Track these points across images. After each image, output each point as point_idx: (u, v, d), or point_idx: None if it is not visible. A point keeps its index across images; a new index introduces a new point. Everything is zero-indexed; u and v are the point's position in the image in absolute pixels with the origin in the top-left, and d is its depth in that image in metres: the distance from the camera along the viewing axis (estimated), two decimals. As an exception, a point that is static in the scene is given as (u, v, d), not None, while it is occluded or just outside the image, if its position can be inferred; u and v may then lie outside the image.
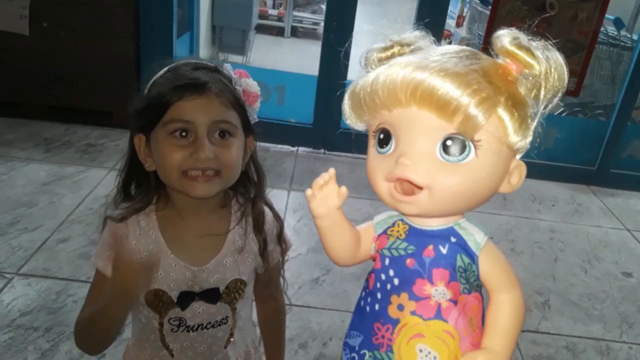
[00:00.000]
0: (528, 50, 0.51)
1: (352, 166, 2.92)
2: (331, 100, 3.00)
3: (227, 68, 0.86)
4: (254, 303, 1.01)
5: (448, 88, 0.48)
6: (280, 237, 0.95)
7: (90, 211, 2.20)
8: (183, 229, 0.86)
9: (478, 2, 4.43)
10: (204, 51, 4.23)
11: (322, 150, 3.13)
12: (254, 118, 0.86)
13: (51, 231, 2.04)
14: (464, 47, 0.55)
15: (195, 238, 0.86)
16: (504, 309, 0.57)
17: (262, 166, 0.93)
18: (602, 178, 3.16)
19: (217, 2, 4.47)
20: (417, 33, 0.58)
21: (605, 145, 3.12)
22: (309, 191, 0.60)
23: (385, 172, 0.54)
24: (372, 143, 0.56)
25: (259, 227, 0.90)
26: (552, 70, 0.51)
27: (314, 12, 6.61)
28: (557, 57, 0.52)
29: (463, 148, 0.51)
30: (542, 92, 0.52)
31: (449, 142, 0.51)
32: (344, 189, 0.59)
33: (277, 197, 2.51)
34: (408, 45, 0.57)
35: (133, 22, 2.81)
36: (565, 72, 0.52)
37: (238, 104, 0.83)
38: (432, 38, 0.59)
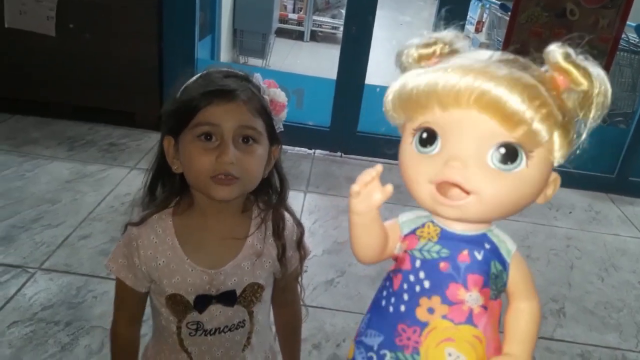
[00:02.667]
0: (579, 67, 0.51)
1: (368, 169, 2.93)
2: (349, 104, 3.02)
3: (257, 77, 0.88)
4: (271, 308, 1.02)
5: (516, 100, 0.48)
6: (300, 244, 0.95)
7: (111, 209, 2.24)
8: (202, 231, 0.88)
9: (497, 7, 4.42)
10: (224, 54, 4.29)
11: (338, 153, 3.14)
12: (279, 127, 0.88)
13: (73, 228, 2.09)
14: (516, 56, 0.54)
15: (214, 241, 0.88)
16: (525, 317, 0.58)
17: (286, 175, 0.94)
18: (620, 186, 3.12)
19: (238, 6, 4.52)
20: (455, 33, 0.57)
21: (625, 153, 3.09)
22: (355, 187, 0.57)
23: (430, 173, 0.53)
24: (410, 141, 0.55)
25: (278, 232, 0.91)
26: (601, 87, 0.52)
27: (333, 17, 6.65)
28: (603, 76, 0.52)
29: (515, 157, 0.50)
30: (593, 110, 0.52)
31: (502, 150, 0.50)
32: (389, 187, 0.56)
33: (294, 198, 2.52)
34: (449, 44, 0.57)
35: (156, 25, 2.87)
36: (610, 90, 0.52)
37: (264, 112, 0.85)
38: (469, 39, 0.59)
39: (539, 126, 0.49)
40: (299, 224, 0.96)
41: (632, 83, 3.57)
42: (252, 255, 0.89)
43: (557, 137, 0.51)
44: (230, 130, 0.80)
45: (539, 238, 2.56)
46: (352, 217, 0.59)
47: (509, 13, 3.05)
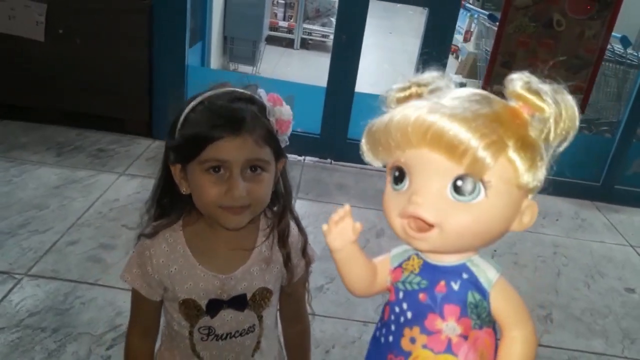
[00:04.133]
0: (538, 95, 0.53)
1: (358, 176, 2.95)
2: (339, 111, 3.04)
3: (261, 94, 0.87)
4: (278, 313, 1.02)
5: (456, 131, 0.50)
6: (305, 251, 0.96)
7: (99, 215, 2.23)
8: (211, 241, 0.89)
9: (486, 18, 4.48)
10: (215, 61, 4.29)
11: (328, 160, 3.16)
12: (285, 142, 0.88)
13: (61, 234, 2.08)
14: (477, 91, 0.56)
15: (224, 249, 0.89)
16: (515, 346, 0.57)
17: (290, 183, 0.95)
18: (606, 194, 3.17)
19: (229, 13, 4.53)
20: (435, 74, 0.60)
21: (610, 161, 3.13)
22: (325, 226, 0.62)
23: (399, 209, 0.55)
24: (389, 179, 0.58)
25: (283, 240, 0.92)
26: (563, 112, 0.53)
27: (323, 25, 6.68)
28: (568, 100, 0.53)
29: (473, 188, 0.52)
30: (552, 135, 0.53)
31: (459, 183, 0.52)
32: (358, 225, 0.61)
33: (283, 205, 2.54)
34: (426, 85, 0.59)
35: (147, 31, 2.87)
36: (577, 114, 0.54)
37: (271, 138, 0.84)
38: (450, 77, 0.60)
39: (483, 153, 0.50)
40: (302, 231, 0.97)
41: (617, 93, 3.63)
42: (261, 261, 0.91)
43: (518, 162, 0.52)
44: (239, 164, 0.80)
45: (527, 245, 2.59)
46: (332, 255, 0.63)
47: (497, 23, 3.09)
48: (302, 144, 3.12)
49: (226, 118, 0.80)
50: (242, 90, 0.86)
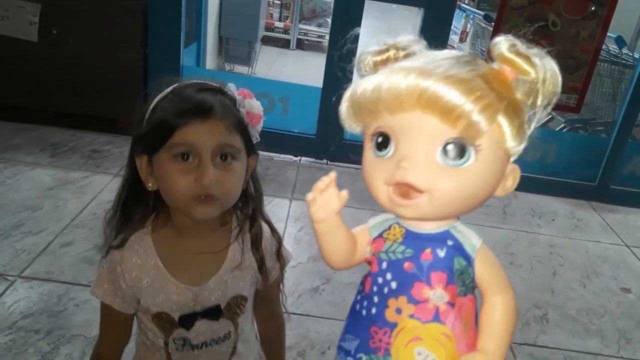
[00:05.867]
0: (526, 57, 0.52)
1: (353, 177, 2.93)
2: (334, 111, 3.00)
3: (231, 88, 0.85)
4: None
5: (453, 94, 0.49)
6: (279, 254, 0.95)
7: (93, 216, 2.22)
8: (182, 249, 0.87)
9: (481, 18, 4.48)
10: (210, 61, 4.28)
11: (324, 161, 3.15)
12: (256, 138, 0.86)
13: (55, 235, 2.07)
14: (463, 53, 0.55)
15: (195, 257, 0.87)
16: (498, 311, 0.57)
17: (260, 183, 0.93)
18: (602, 194, 3.17)
19: (224, 13, 4.52)
20: (411, 37, 0.59)
21: (606, 161, 3.14)
22: (310, 195, 0.59)
23: (385, 176, 0.54)
24: (370, 146, 0.56)
25: (256, 245, 0.90)
26: (548, 76, 0.52)
27: (319, 26, 6.68)
28: (552, 64, 0.53)
29: (463, 153, 0.51)
30: (540, 98, 0.53)
31: (449, 147, 0.51)
32: (344, 193, 0.59)
33: (279, 206, 2.54)
34: (403, 49, 0.58)
35: (142, 32, 2.85)
36: (559, 79, 0.53)
37: (241, 127, 0.82)
38: (425, 42, 0.59)
39: (478, 117, 0.49)
40: (275, 233, 0.95)
41: (613, 93, 3.63)
42: (233, 268, 0.88)
43: (506, 127, 0.52)
44: (209, 150, 0.78)
45: (522, 245, 2.59)
46: (314, 226, 0.61)
47: (493, 23, 3.09)
48: (298, 144, 3.11)
49: (194, 104, 0.79)
50: (211, 82, 0.85)
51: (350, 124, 0.59)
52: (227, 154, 0.80)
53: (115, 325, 0.91)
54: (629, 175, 3.22)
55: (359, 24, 2.90)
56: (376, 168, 0.56)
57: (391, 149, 0.54)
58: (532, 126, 0.54)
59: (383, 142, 0.55)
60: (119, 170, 2.63)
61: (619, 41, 3.45)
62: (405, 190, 0.53)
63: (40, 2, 2.76)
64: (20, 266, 1.87)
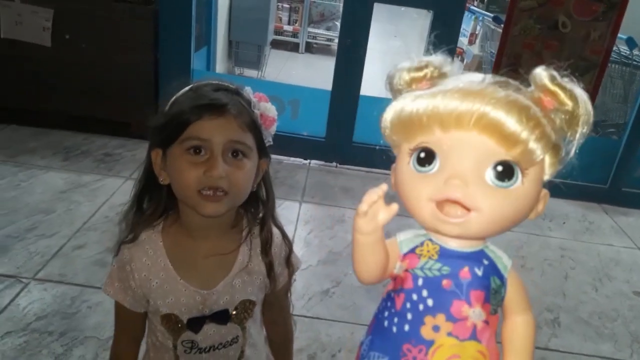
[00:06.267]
0: (564, 88, 0.53)
1: (363, 180, 2.95)
2: (344, 114, 3.04)
3: (248, 91, 0.87)
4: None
5: (513, 121, 0.50)
6: (289, 260, 0.95)
7: (105, 219, 2.24)
8: (191, 251, 0.87)
9: (490, 20, 4.47)
10: (220, 65, 4.31)
11: (334, 164, 3.16)
12: (269, 141, 0.88)
13: (67, 238, 2.09)
14: (506, 78, 0.56)
15: (205, 259, 0.87)
16: (523, 330, 0.59)
17: (272, 187, 0.93)
18: (613, 196, 3.15)
19: (234, 18, 4.55)
20: (444, 57, 0.59)
21: (617, 163, 3.11)
22: (364, 206, 0.56)
23: (430, 192, 0.54)
24: (407, 160, 0.56)
25: (266, 249, 0.91)
26: (585, 106, 0.54)
27: (328, 29, 6.70)
28: (584, 95, 0.54)
29: (511, 175, 0.52)
30: (579, 128, 0.54)
31: (499, 168, 0.52)
32: (395, 206, 0.56)
33: (289, 209, 2.54)
34: (438, 68, 0.58)
35: (153, 36, 2.88)
36: (591, 109, 0.55)
37: (254, 127, 0.84)
38: (460, 64, 0.61)
39: (534, 145, 0.51)
40: (287, 239, 0.95)
41: (624, 95, 3.61)
42: (242, 272, 0.89)
43: (547, 155, 0.53)
44: (220, 145, 0.79)
45: (534, 248, 2.57)
46: (358, 238, 0.58)
47: (502, 25, 3.09)
48: (308, 147, 3.12)
49: (210, 100, 0.81)
50: (228, 83, 0.88)
51: (391, 137, 0.58)
52: (238, 150, 0.82)
53: (128, 323, 0.92)
54: (641, 177, 3.19)
55: (367, 27, 2.91)
56: (419, 184, 0.55)
57: (436, 165, 0.54)
58: (572, 153, 0.56)
59: (426, 157, 0.54)
60: (131, 173, 2.65)
61: (630, 42, 3.42)
62: (452, 208, 0.53)
63: (53, 7, 2.80)
64: (34, 268, 1.89)
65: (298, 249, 2.25)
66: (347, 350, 1.76)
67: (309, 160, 3.15)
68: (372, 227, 0.57)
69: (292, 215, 2.50)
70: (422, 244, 0.60)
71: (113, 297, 0.89)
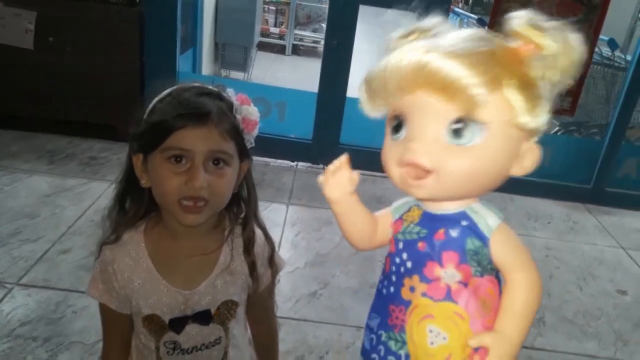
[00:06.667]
0: (539, 31, 0.51)
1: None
2: (330, 116, 3.04)
3: (230, 93, 0.86)
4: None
5: (451, 69, 0.49)
6: (272, 261, 0.95)
7: (91, 223, 2.22)
8: (173, 251, 0.87)
9: (475, 22, 4.51)
10: (206, 67, 4.29)
11: (321, 166, 3.16)
12: (251, 143, 0.87)
13: (52, 242, 2.07)
14: (477, 30, 0.55)
15: (187, 260, 0.87)
16: (516, 291, 0.56)
17: (254, 187, 0.93)
18: (597, 196, 3.19)
19: (220, 19, 4.54)
20: (437, 19, 0.58)
21: (601, 164, 3.15)
22: (321, 177, 0.61)
23: (396, 157, 0.55)
24: (388, 131, 0.57)
25: (248, 249, 0.91)
26: (566, 50, 0.51)
27: (314, 31, 6.70)
28: (571, 38, 0.52)
29: (471, 131, 0.51)
30: (554, 73, 0.52)
31: (456, 126, 0.51)
32: (355, 175, 0.60)
33: (276, 211, 2.54)
34: (428, 30, 0.57)
35: (138, 38, 2.86)
36: (580, 53, 0.52)
37: (236, 133, 0.83)
38: (453, 24, 0.58)
39: (475, 91, 0.49)
40: (269, 240, 0.95)
41: (606, 95, 3.66)
42: (224, 273, 0.89)
43: (517, 102, 0.51)
44: (201, 155, 0.79)
45: (519, 248, 2.59)
46: (330, 207, 0.62)
47: (486, 27, 3.11)
48: (294, 149, 3.12)
49: (192, 108, 0.79)
50: (210, 87, 0.86)
51: (368, 109, 0.58)
52: (219, 159, 0.81)
53: (115, 326, 0.92)
54: (624, 177, 3.23)
55: (353, 29, 2.91)
56: (390, 150, 0.57)
57: (404, 131, 0.55)
58: (548, 100, 0.53)
59: (398, 125, 0.56)
60: (117, 177, 2.62)
61: (612, 44, 3.47)
62: (416, 171, 0.54)
63: (36, 10, 2.77)
64: (17, 274, 1.87)
65: (285, 252, 2.25)
66: (335, 352, 1.76)
67: (296, 163, 3.15)
68: (336, 195, 0.61)
69: (279, 217, 2.50)
70: (409, 209, 0.62)
71: (98, 299, 0.89)
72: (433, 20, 0.58)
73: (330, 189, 0.61)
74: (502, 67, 0.50)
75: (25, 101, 2.92)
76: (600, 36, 2.98)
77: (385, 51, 0.58)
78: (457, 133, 0.51)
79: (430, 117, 0.52)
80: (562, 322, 2.08)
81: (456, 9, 6.24)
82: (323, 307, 1.96)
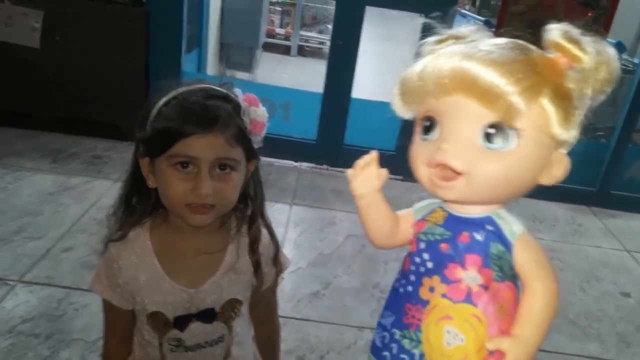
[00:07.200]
0: (577, 44, 0.52)
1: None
2: (335, 117, 3.04)
3: (237, 93, 0.85)
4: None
5: (491, 76, 0.50)
6: (276, 259, 0.95)
7: (94, 221, 2.22)
8: (179, 249, 0.87)
9: (481, 24, 4.50)
10: (211, 67, 4.30)
11: (324, 166, 3.16)
12: (259, 143, 0.86)
13: (55, 240, 2.07)
14: (514, 40, 0.55)
15: (193, 258, 0.87)
16: (535, 299, 0.56)
17: (262, 185, 0.93)
18: (602, 199, 3.17)
19: (225, 20, 4.55)
20: (472, 27, 0.59)
21: (606, 166, 3.14)
22: (350, 171, 0.62)
23: (426, 158, 0.55)
24: (418, 130, 0.57)
25: (253, 248, 0.90)
26: (602, 64, 0.52)
27: (320, 32, 6.71)
28: (608, 51, 0.53)
29: (505, 136, 0.52)
30: (590, 86, 0.53)
31: (491, 130, 0.52)
32: (383, 171, 0.61)
33: (280, 211, 2.54)
34: (463, 38, 0.58)
35: (143, 38, 2.87)
36: (617, 67, 0.53)
37: (244, 138, 0.82)
38: (489, 32, 0.59)
39: (516, 99, 0.50)
40: (274, 239, 0.95)
41: (613, 98, 3.63)
42: (230, 272, 0.89)
43: (552, 113, 0.51)
44: (208, 162, 0.78)
45: (523, 250, 2.58)
46: (355, 202, 0.63)
47: (493, 29, 3.10)
48: (299, 149, 3.12)
49: (199, 114, 0.78)
50: (218, 88, 0.85)
51: (400, 109, 0.60)
52: (226, 164, 0.81)
53: (117, 322, 0.92)
54: (630, 180, 3.21)
55: (359, 30, 2.91)
56: (420, 151, 0.57)
57: (436, 131, 0.55)
58: (583, 113, 0.54)
59: (430, 126, 0.56)
60: (120, 175, 2.63)
61: (619, 47, 3.45)
62: (446, 172, 0.54)
63: (43, 9, 2.78)
64: (20, 271, 1.88)
65: (288, 251, 2.24)
66: (336, 351, 1.76)
67: (299, 163, 3.15)
68: (363, 190, 0.62)
69: (282, 217, 2.50)
70: (433, 210, 0.62)
71: (101, 294, 0.89)
72: (468, 28, 0.59)
73: (358, 183, 0.62)
74: (540, 76, 0.51)
75: (31, 99, 2.94)
76: (608, 39, 2.97)
77: (419, 55, 0.59)
78: (491, 138, 0.52)
79: (466, 119, 0.53)
80: (565, 324, 2.07)
81: (463, 11, 6.23)
82: (325, 307, 1.95)
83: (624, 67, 3.54)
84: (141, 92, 2.90)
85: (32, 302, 1.75)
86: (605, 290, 2.35)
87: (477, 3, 6.52)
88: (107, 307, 0.90)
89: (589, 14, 2.82)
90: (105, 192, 2.47)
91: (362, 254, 2.22)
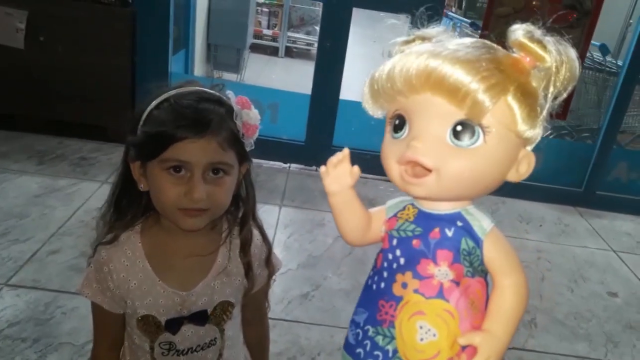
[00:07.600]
0: (540, 44, 0.54)
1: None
2: (324, 118, 3.04)
3: (229, 96, 0.84)
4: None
5: (458, 74, 0.51)
6: (268, 261, 0.95)
7: (81, 224, 2.20)
8: (170, 251, 0.87)
9: (468, 25, 4.53)
10: (198, 68, 4.28)
11: (313, 167, 3.15)
12: (251, 145, 0.86)
13: (42, 243, 2.04)
14: (479, 39, 0.57)
15: (184, 260, 0.87)
16: (506, 293, 0.58)
17: (253, 187, 0.92)
18: (588, 200, 3.21)
19: (212, 21, 4.53)
20: (440, 28, 0.60)
21: (592, 167, 3.17)
22: (323, 168, 0.62)
23: (397, 155, 0.56)
24: (388, 129, 0.59)
25: (245, 250, 0.90)
26: (564, 63, 0.54)
27: (307, 33, 6.71)
28: (569, 51, 0.54)
29: (472, 134, 0.53)
30: (552, 85, 0.54)
31: (459, 128, 0.53)
32: (356, 168, 0.62)
33: (269, 212, 2.53)
34: (429, 38, 0.59)
35: (130, 39, 2.84)
36: (577, 67, 0.55)
37: (236, 141, 0.82)
38: (455, 33, 0.61)
39: (482, 96, 0.51)
40: (266, 240, 0.95)
41: (597, 100, 3.69)
42: (221, 274, 0.88)
43: (516, 110, 0.53)
44: (201, 167, 0.78)
45: (511, 250, 2.60)
46: (328, 199, 0.64)
47: (479, 31, 3.13)
48: (287, 151, 3.12)
49: (192, 119, 0.77)
50: (210, 91, 0.84)
51: (371, 108, 0.60)
52: (219, 168, 0.80)
53: (107, 326, 0.91)
54: (615, 181, 3.26)
55: (347, 31, 2.92)
56: (390, 148, 0.58)
57: (406, 130, 0.56)
58: (546, 111, 0.55)
59: (399, 124, 0.57)
60: (107, 177, 2.61)
61: (603, 49, 3.50)
62: (416, 169, 0.55)
63: (27, 9, 2.75)
64: (6, 274, 1.85)
65: (278, 253, 2.21)
66: (327, 353, 1.75)
67: (288, 164, 3.15)
68: (336, 187, 0.62)
69: (271, 219, 2.49)
70: (404, 208, 0.63)
71: (91, 298, 0.87)
72: (436, 29, 0.60)
73: (330, 181, 0.62)
74: (505, 74, 0.52)
75: (15, 101, 2.90)
76: (592, 41, 3.00)
77: (387, 55, 0.60)
78: (459, 135, 0.53)
79: (435, 117, 0.53)
80: (553, 324, 2.09)
81: (450, 13, 6.27)
82: (315, 308, 1.95)
83: (608, 69, 3.59)
84: (128, 93, 2.88)
85: (19, 306, 1.72)
86: (593, 291, 2.38)
87: (464, 5, 6.56)
88: (97, 311, 0.89)
89: (574, 16, 2.85)
90: (92, 194, 2.44)
91: (352, 255, 2.23)
